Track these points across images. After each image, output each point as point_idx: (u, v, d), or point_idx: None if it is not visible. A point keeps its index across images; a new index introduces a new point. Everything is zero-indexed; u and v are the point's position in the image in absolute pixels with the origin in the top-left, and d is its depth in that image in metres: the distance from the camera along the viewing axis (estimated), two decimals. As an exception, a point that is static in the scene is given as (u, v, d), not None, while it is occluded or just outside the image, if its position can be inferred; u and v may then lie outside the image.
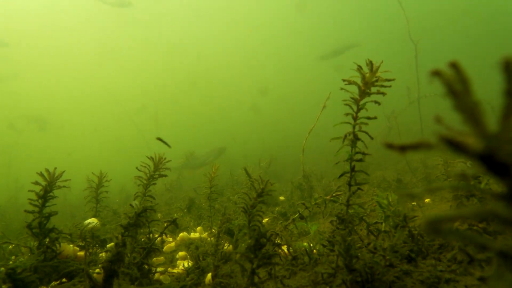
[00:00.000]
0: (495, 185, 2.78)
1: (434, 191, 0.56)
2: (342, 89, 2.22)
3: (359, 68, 2.10)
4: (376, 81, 2.08)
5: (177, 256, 3.26)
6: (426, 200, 4.25)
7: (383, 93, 2.11)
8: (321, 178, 6.27)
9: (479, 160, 0.49)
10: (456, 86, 0.53)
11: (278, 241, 2.87)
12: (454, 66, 0.54)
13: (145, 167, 3.30)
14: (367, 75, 2.09)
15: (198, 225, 4.33)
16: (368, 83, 2.10)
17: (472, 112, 0.51)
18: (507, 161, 0.47)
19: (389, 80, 2.07)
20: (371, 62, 2.08)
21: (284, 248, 2.70)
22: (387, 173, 6.42)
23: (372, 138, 2.19)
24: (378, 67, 2.08)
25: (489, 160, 0.48)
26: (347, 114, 2.21)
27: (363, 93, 2.14)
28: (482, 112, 0.51)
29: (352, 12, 48.81)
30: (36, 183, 2.63)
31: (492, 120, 0.52)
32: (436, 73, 0.53)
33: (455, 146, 0.48)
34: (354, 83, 2.12)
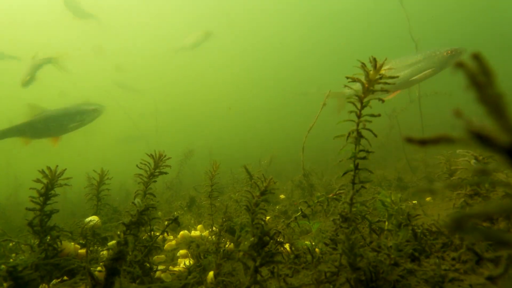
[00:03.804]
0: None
1: (454, 187, 0.55)
2: (345, 86, 2.21)
3: (363, 65, 2.08)
4: (380, 78, 2.07)
5: (178, 254, 3.24)
6: (427, 199, 4.24)
7: (387, 91, 2.10)
8: (322, 176, 6.25)
9: (506, 154, 0.47)
10: (479, 77, 0.51)
11: (280, 239, 2.86)
12: (477, 57, 0.53)
13: (145, 164, 3.28)
14: (371, 72, 2.08)
15: (199, 223, 4.32)
16: (372, 80, 2.08)
17: (496, 105, 0.49)
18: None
19: (392, 78, 2.05)
20: (374, 59, 2.06)
21: (286, 246, 2.69)
22: (387, 171, 6.42)
23: (376, 136, 2.18)
24: (382, 64, 2.06)
25: (516, 155, 0.47)
26: (350, 112, 2.19)
27: (367, 90, 2.13)
28: (507, 105, 0.50)
29: (353, 10, 48.77)
30: (38, 180, 2.62)
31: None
32: (460, 65, 0.51)
33: (482, 139, 0.46)
34: (358, 80, 2.10)
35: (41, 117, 6.86)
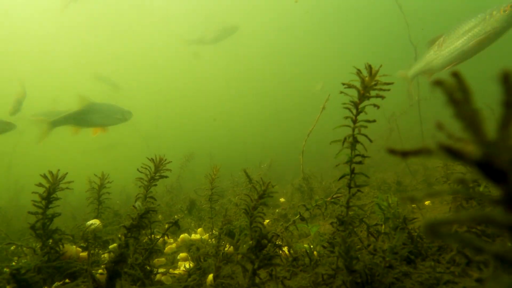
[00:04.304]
0: (494, 188, 2.80)
1: (435, 195, 0.58)
2: (341, 92, 2.23)
3: (358, 72, 2.12)
4: (375, 84, 2.10)
5: (178, 257, 3.28)
6: (426, 203, 4.27)
7: (382, 97, 2.13)
8: (321, 180, 6.28)
9: (477, 167, 0.51)
10: (456, 94, 0.55)
11: (279, 242, 2.89)
12: (455, 75, 0.57)
13: (145, 168, 3.32)
14: (366, 79, 2.11)
15: (199, 226, 4.35)
16: (367, 86, 2.12)
17: (471, 120, 0.53)
18: (504, 168, 0.50)
19: (388, 84, 2.09)
20: (370, 66, 2.10)
21: (285, 249, 2.72)
22: (387, 175, 6.45)
23: (371, 141, 2.21)
24: (377, 71, 2.09)
25: (487, 167, 0.51)
26: (346, 117, 2.23)
27: (363, 96, 2.16)
28: (482, 120, 0.54)
29: (353, 15, 48.89)
30: (40, 185, 2.65)
31: (491, 124, 0.55)
32: (438, 83, 0.55)
33: (453, 153, 0.50)
34: (354, 87, 2.14)
35: (91, 107, 7.34)
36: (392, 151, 0.58)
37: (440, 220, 0.49)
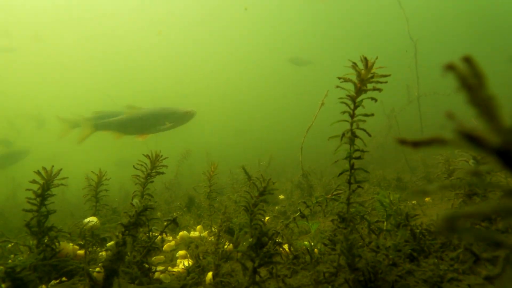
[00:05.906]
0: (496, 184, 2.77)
1: (447, 188, 0.55)
2: (338, 87, 2.19)
3: (354, 65, 2.07)
4: (372, 77, 2.06)
5: (177, 255, 3.24)
6: (426, 199, 4.24)
7: (379, 89, 2.08)
8: (321, 177, 6.25)
9: (496, 156, 0.47)
10: (470, 80, 0.51)
11: (279, 240, 2.86)
12: (468, 60, 0.53)
13: (142, 165, 3.28)
14: (362, 72, 2.07)
15: (198, 224, 4.32)
16: (364, 80, 2.07)
17: (487, 106, 0.49)
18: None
19: (385, 76, 2.04)
20: (365, 58, 2.05)
21: (285, 247, 2.68)
22: (386, 171, 6.41)
23: (370, 135, 2.18)
24: (373, 63, 2.05)
25: (507, 156, 0.47)
26: (343, 112, 2.19)
27: (359, 90, 2.12)
28: (498, 107, 0.50)
29: (353, 11, 48.75)
30: (34, 181, 2.61)
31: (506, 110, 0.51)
32: (450, 67, 0.51)
33: (473, 141, 0.46)
34: (350, 80, 2.10)
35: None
36: (403, 142, 0.54)
37: (459, 214, 0.45)
